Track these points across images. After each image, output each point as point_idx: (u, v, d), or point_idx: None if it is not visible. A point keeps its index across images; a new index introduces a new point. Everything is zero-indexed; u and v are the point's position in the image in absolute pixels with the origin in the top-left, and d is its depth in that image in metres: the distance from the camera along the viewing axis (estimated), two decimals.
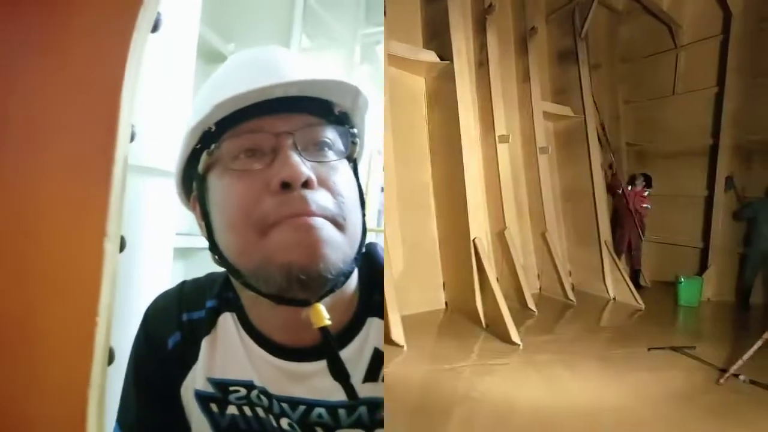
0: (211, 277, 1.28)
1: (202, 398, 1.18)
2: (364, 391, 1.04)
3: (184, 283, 1.32)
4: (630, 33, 7.57)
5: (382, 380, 1.07)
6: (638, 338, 4.31)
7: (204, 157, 1.03)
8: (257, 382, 1.12)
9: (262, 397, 1.12)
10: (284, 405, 1.10)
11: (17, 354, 1.07)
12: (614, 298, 5.78)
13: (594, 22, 6.48)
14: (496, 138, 5.07)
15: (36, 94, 1.13)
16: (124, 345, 1.24)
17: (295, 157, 0.97)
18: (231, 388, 1.15)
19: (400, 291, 3.84)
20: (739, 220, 6.28)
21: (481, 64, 5.16)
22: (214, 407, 1.18)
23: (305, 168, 0.97)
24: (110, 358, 1.12)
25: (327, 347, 1.00)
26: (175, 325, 1.22)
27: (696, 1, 6.92)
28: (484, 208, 5.04)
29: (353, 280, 1.10)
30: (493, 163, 5.14)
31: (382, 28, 6.48)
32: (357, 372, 1.05)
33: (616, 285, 5.83)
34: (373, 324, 1.10)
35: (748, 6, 6.28)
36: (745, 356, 3.34)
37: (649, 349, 3.94)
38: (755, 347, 3.36)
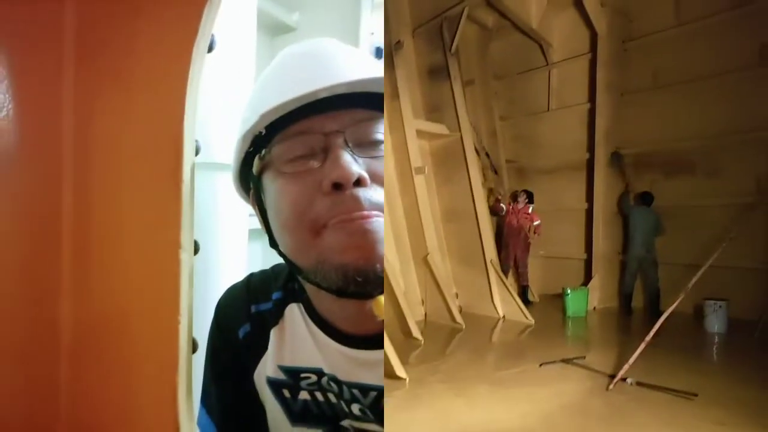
0: (276, 269, 1.36)
1: (275, 385, 1.26)
2: None
3: (251, 275, 1.41)
4: (502, 49, 7.62)
5: None
6: (529, 354, 4.31)
7: (256, 161, 1.10)
8: (326, 370, 1.17)
9: (332, 383, 1.18)
10: (355, 391, 1.15)
11: (116, 350, 1.24)
12: (504, 317, 5.70)
13: (464, 38, 6.41)
14: None
15: (110, 122, 1.24)
16: (206, 332, 1.40)
17: (346, 156, 0.98)
18: (302, 375, 1.21)
19: None
20: (621, 211, 6.49)
21: None
22: (286, 393, 1.25)
23: (356, 167, 0.97)
24: (194, 348, 1.26)
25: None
26: (245, 317, 1.31)
27: (564, 21, 7.12)
28: None
29: None
30: None
31: None
32: None
33: (504, 303, 5.75)
34: None
35: (612, 27, 6.55)
36: (631, 360, 3.49)
37: (540, 365, 3.95)
38: (639, 350, 3.52)
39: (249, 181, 1.16)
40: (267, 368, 1.27)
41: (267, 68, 1.19)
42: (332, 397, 1.21)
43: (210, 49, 1.27)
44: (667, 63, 6.26)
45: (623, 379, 3.42)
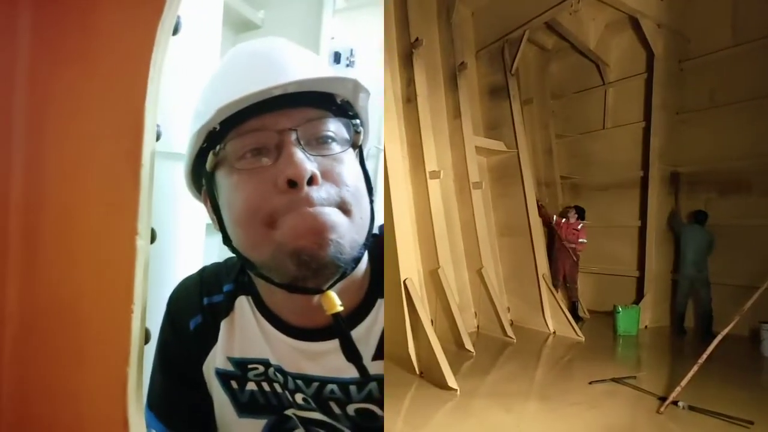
0: (229, 262, 1.36)
1: (223, 376, 1.28)
2: (374, 368, 1.13)
3: (205, 268, 1.40)
4: (560, 70, 7.82)
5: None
6: (579, 371, 4.27)
7: (210, 156, 1.08)
8: (273, 360, 1.19)
9: (278, 374, 1.21)
10: (299, 381, 1.18)
11: (65, 338, 1.21)
12: (554, 332, 5.75)
13: (524, 59, 6.63)
14: (427, 174, 4.95)
15: (67, 103, 1.21)
16: (159, 323, 1.38)
17: (299, 154, 1.01)
18: (249, 366, 1.24)
19: None
20: (671, 230, 6.48)
21: (409, 100, 5.09)
22: (234, 384, 1.28)
23: (309, 164, 1.01)
24: (147, 338, 1.26)
25: (339, 331, 1.08)
26: (197, 309, 1.30)
27: (621, 42, 7.21)
28: (415, 246, 4.88)
29: (363, 264, 1.15)
30: (424, 199, 5.00)
31: None
32: (367, 350, 1.13)
33: (555, 319, 5.81)
34: (382, 305, 1.16)
35: (669, 47, 6.58)
36: (683, 382, 3.36)
37: (590, 383, 3.90)
38: (691, 373, 3.39)
39: (201, 177, 1.16)
40: (216, 360, 1.27)
41: (218, 65, 1.20)
42: (278, 387, 1.23)
43: (175, 31, 1.23)
44: (723, 82, 6.26)
45: (674, 403, 3.33)
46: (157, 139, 1.24)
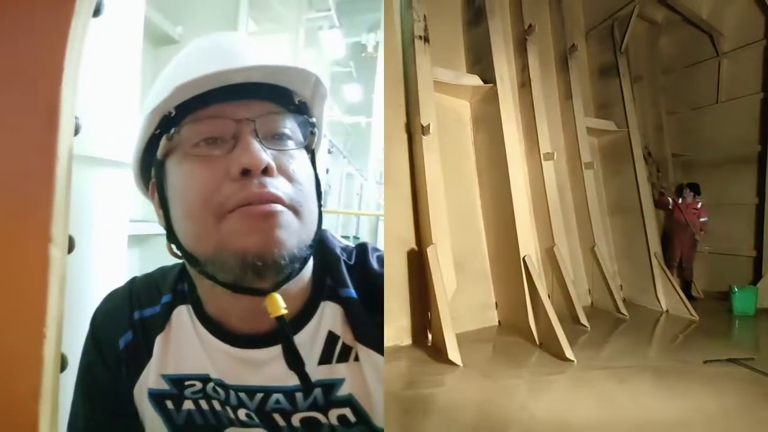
0: (162, 271, 1.25)
1: (157, 397, 1.15)
2: (319, 373, 1.06)
3: (133, 279, 1.27)
4: (670, 44, 7.58)
5: (336, 362, 1.07)
6: (692, 350, 4.28)
7: (163, 141, 1.01)
8: (213, 375, 1.10)
9: (218, 389, 1.11)
10: (241, 395, 1.09)
11: None
12: (667, 311, 5.74)
13: (634, 36, 6.54)
14: (541, 156, 5.14)
15: None
16: (79, 347, 1.19)
17: (256, 144, 0.97)
18: (186, 383, 1.13)
19: (453, 311, 3.92)
20: None
21: (524, 85, 5.27)
22: (169, 404, 1.15)
23: (265, 155, 0.96)
24: (63, 366, 1.08)
25: (282, 336, 1.01)
26: (127, 325, 1.18)
27: (736, 8, 6.88)
28: (532, 225, 5.11)
29: (309, 266, 1.09)
30: (539, 180, 5.21)
31: (325, 14, 6.67)
32: (312, 355, 1.07)
33: (668, 297, 5.80)
34: (326, 308, 1.10)
35: None
36: None
37: (705, 362, 3.90)
38: None
39: (150, 167, 1.08)
40: (149, 380, 1.15)
41: (179, 53, 1.14)
42: (217, 405, 1.13)
43: (97, 12, 1.14)
44: None
45: None
46: (76, 132, 1.10)
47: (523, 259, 4.43)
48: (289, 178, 1.00)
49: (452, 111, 4.96)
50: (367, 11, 8.51)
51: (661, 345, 4.81)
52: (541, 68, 5.38)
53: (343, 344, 1.07)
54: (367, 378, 1.05)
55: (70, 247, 1.11)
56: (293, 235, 0.97)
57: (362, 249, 1.18)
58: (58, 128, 1.03)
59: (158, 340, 1.15)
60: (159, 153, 1.03)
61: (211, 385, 1.11)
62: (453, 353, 3.65)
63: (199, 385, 1.13)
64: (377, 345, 1.06)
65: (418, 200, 4.34)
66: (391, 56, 4.51)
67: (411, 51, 4.36)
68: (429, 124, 4.13)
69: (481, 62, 4.90)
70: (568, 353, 3.82)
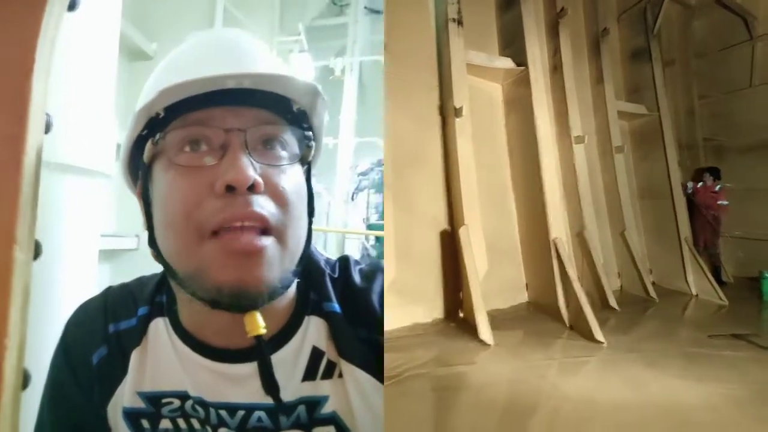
0: (140, 282, 1.17)
1: (132, 416, 1.07)
2: (303, 390, 1.00)
3: (109, 289, 1.18)
4: (703, 27, 7.47)
5: (321, 378, 1.01)
6: (722, 336, 4.25)
7: (149, 145, 0.95)
8: (192, 392, 1.03)
9: (197, 407, 1.03)
10: (222, 412, 1.02)
11: None
12: (696, 295, 5.72)
13: (666, 19, 6.49)
14: (572, 139, 5.16)
15: None
16: (46, 362, 1.09)
17: (244, 159, 0.90)
18: (164, 401, 1.06)
19: (484, 292, 3.99)
20: None
21: (555, 68, 5.28)
22: (145, 423, 1.07)
23: (252, 171, 0.90)
24: (25, 382, 1.01)
25: (259, 356, 0.96)
26: (101, 339, 1.09)
27: None
28: (562, 209, 5.12)
29: (292, 286, 1.03)
30: (569, 164, 5.22)
31: (296, 38, 6.99)
32: (296, 372, 1.01)
33: (698, 281, 5.79)
34: (311, 322, 1.04)
35: None
36: None
37: (709, 336, 4.06)
38: None
39: (138, 169, 1.02)
40: (125, 398, 1.07)
41: (178, 48, 1.08)
42: (196, 424, 1.06)
43: (72, 6, 1.10)
44: None
45: None
46: (48, 130, 1.04)
47: (554, 241, 4.48)
48: (278, 196, 0.93)
49: (484, 94, 5.00)
50: (334, 38, 8.92)
51: (690, 329, 4.77)
52: (573, 52, 5.37)
53: (328, 360, 1.01)
54: (350, 395, 0.99)
55: (37, 253, 1.03)
56: (275, 269, 0.92)
57: (345, 262, 1.12)
58: (26, 122, 0.97)
59: (134, 356, 1.07)
60: (145, 157, 0.97)
61: (189, 402, 1.04)
62: (484, 333, 3.73)
63: (177, 402, 1.05)
64: (360, 361, 1.00)
65: (451, 182, 4.40)
66: (424, 39, 4.55)
67: (444, 34, 4.40)
68: (462, 107, 4.18)
69: (513, 45, 4.93)
70: (598, 335, 3.86)
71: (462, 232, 4.08)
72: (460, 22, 4.40)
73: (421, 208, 4.35)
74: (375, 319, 1.02)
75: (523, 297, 4.93)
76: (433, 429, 2.69)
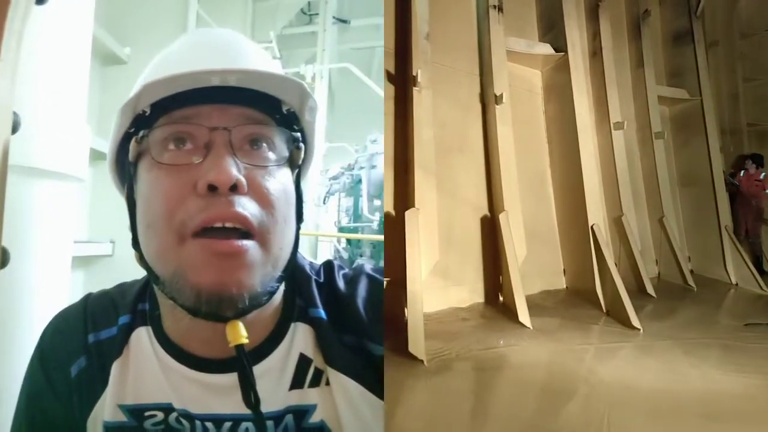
0: (121, 288, 1.12)
1: (113, 430, 1.02)
2: (291, 399, 0.98)
3: (88, 296, 1.13)
4: (749, 6, 7.24)
5: (308, 386, 0.99)
6: (763, 326, 4.18)
7: (133, 144, 0.94)
8: (176, 404, 0.99)
9: (182, 420, 0.99)
10: (208, 425, 0.99)
11: None
12: (736, 284, 5.65)
13: None
14: (611, 125, 5.13)
15: None
16: (15, 375, 1.04)
17: (227, 159, 0.88)
18: (146, 414, 1.01)
19: (523, 276, 4.05)
20: None
21: (595, 53, 5.24)
22: None
23: (236, 170, 0.87)
24: None
25: (239, 367, 0.92)
26: (81, 349, 1.04)
27: None
28: (600, 195, 5.11)
29: (278, 293, 0.99)
30: (608, 150, 5.20)
31: (267, 45, 7.11)
32: (283, 380, 0.99)
33: (737, 270, 5.71)
34: (297, 329, 1.02)
35: None
36: None
37: (745, 324, 3.99)
38: None
39: (125, 168, 0.99)
40: (105, 411, 1.02)
41: (172, 44, 1.06)
42: None
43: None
44: None
45: None
46: (15, 130, 1.00)
47: (592, 227, 4.49)
48: (262, 198, 0.90)
49: (524, 80, 5.00)
50: (305, 46, 9.35)
51: (729, 318, 4.72)
52: (612, 35, 5.32)
53: (315, 368, 0.99)
54: (338, 403, 0.96)
55: (4, 261, 0.99)
56: (256, 273, 0.89)
57: (329, 267, 1.10)
58: None
59: (115, 366, 1.02)
60: (130, 155, 0.95)
61: (174, 415, 1.00)
62: (523, 316, 3.80)
63: (160, 415, 1.00)
64: (346, 368, 0.97)
65: (491, 168, 4.45)
66: (465, 26, 4.57)
67: (485, 21, 4.42)
68: (502, 94, 4.21)
69: (552, 30, 4.91)
70: (635, 322, 3.87)
71: (502, 217, 4.13)
72: (500, 9, 4.41)
73: (463, 193, 4.41)
74: (362, 324, 0.99)
75: (561, 282, 4.96)
76: (474, 403, 2.79)
